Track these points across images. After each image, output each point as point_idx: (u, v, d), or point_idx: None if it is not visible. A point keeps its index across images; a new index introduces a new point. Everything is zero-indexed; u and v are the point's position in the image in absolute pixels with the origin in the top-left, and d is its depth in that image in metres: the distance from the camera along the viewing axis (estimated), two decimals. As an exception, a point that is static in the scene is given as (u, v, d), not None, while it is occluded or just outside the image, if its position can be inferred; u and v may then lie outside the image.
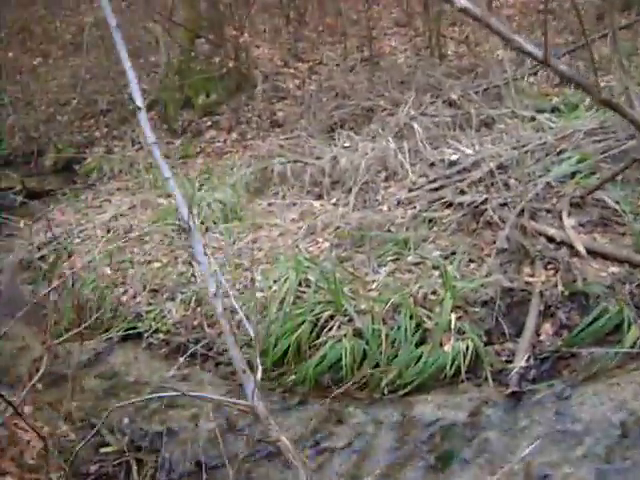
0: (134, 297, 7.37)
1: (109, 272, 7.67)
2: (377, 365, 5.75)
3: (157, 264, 7.69)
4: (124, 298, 7.41)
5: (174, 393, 3.39)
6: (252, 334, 3.64)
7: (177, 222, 7.91)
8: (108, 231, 8.61)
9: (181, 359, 6.38)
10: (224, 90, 12.05)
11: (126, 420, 5.76)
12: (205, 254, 3.47)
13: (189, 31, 12.17)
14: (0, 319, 5.11)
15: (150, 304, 7.24)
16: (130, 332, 7.01)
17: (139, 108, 3.38)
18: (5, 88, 14.89)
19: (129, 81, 3.39)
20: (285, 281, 6.61)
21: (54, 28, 16.13)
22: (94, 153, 11.95)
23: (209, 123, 11.78)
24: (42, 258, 8.43)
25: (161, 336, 6.88)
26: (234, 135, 11.31)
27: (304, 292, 6.50)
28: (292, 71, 12.70)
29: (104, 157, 11.53)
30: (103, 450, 5.45)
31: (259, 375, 3.39)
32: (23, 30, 16.62)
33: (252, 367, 3.48)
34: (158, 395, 5.24)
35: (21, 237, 9.00)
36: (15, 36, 16.63)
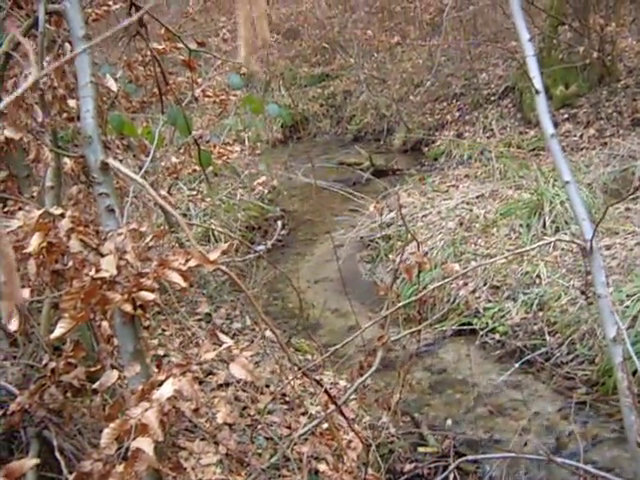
0: (473, 291, 7.11)
1: (456, 266, 7.37)
2: None
3: (501, 260, 7.27)
4: (462, 291, 7.14)
5: (537, 457, 2.80)
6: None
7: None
8: (460, 223, 8.35)
9: (516, 365, 6.02)
10: (585, 82, 11.41)
11: (449, 422, 5.45)
12: (607, 284, 2.83)
13: (552, 18, 11.57)
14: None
15: (489, 301, 6.96)
16: (464, 327, 6.78)
17: (538, 92, 3.02)
18: (362, 65, 15.36)
19: (528, 63, 3.02)
20: (640, 298, 5.89)
21: (413, 8, 16.27)
22: (444, 136, 12.00)
23: (565, 115, 11.21)
24: (383, 238, 8.44)
25: (497, 336, 6.57)
26: (591, 130, 10.68)
27: (659, 313, 5.78)
28: (660, 67, 11.70)
29: (454, 141, 11.52)
30: (421, 450, 5.14)
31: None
32: (383, 9, 17.02)
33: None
34: (518, 456, 4.66)
35: (363, 214, 9.07)
36: (375, 15, 17.12)
